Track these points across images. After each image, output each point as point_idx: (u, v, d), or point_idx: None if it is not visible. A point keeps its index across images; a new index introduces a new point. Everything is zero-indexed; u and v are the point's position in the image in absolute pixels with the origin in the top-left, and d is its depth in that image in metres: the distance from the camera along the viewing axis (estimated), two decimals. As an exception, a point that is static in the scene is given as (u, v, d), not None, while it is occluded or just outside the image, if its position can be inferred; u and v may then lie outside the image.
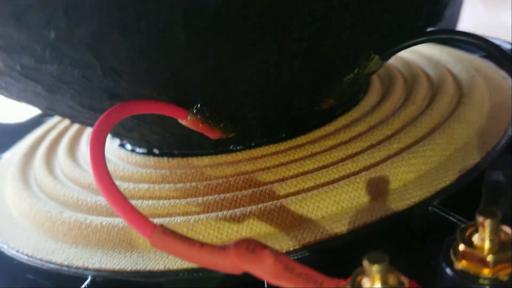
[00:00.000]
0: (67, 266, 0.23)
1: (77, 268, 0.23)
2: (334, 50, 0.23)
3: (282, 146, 0.29)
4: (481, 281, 0.14)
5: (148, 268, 0.21)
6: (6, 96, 0.26)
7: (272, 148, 0.29)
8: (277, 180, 0.25)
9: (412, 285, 0.14)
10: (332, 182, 0.24)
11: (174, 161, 0.30)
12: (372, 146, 0.27)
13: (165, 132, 0.27)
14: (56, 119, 0.44)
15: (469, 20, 0.68)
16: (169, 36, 0.17)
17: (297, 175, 0.25)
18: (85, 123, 0.28)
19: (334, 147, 0.27)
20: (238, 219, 0.22)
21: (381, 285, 0.13)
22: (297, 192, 0.24)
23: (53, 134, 0.40)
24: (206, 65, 0.20)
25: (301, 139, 0.29)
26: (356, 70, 0.25)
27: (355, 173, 0.24)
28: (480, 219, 0.14)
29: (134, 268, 0.21)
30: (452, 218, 0.21)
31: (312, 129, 0.30)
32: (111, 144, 0.34)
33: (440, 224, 0.21)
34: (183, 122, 0.23)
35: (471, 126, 0.27)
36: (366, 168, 0.24)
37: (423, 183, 0.23)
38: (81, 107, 0.24)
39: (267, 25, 0.18)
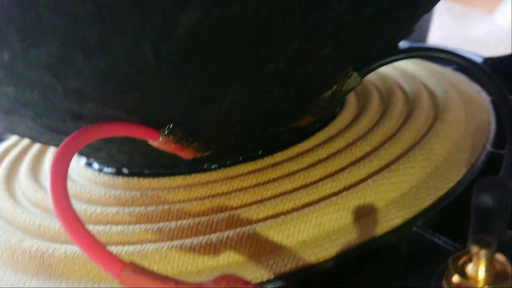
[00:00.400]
0: (27, 302, 0.21)
1: (37, 304, 0.21)
2: (313, 68, 0.22)
3: (259, 164, 0.28)
4: (477, 315, 0.13)
5: (117, 303, 0.20)
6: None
7: (249, 166, 0.27)
8: (255, 201, 0.24)
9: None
10: (313, 203, 0.23)
11: (145, 182, 0.28)
12: (352, 163, 0.26)
13: (134, 152, 0.25)
14: (11, 140, 0.42)
15: (438, 33, 0.70)
16: (138, 58, 0.15)
17: (275, 196, 0.24)
18: (47, 143, 0.26)
19: (313, 165, 0.27)
20: (214, 246, 0.21)
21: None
22: (276, 215, 0.23)
23: (15, 152, 0.38)
24: (178, 87, 0.18)
25: (278, 156, 0.28)
26: (334, 87, 0.24)
27: (335, 193, 0.23)
28: (474, 249, 0.13)
29: (102, 303, 0.20)
30: (437, 240, 0.20)
31: (289, 146, 0.29)
32: (77, 163, 0.33)
33: (424, 246, 0.20)
34: (154, 143, 0.22)
35: (450, 142, 0.27)
36: (346, 188, 0.24)
37: (406, 202, 0.23)
38: (43, 128, 0.22)
39: (242, 48, 0.17)
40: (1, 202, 0.29)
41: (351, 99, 0.35)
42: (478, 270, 0.14)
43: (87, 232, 0.15)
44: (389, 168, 0.24)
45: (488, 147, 0.27)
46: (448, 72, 0.39)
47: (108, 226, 0.24)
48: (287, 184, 0.25)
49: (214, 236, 0.21)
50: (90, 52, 0.15)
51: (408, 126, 0.29)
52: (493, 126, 0.29)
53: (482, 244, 0.13)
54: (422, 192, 0.23)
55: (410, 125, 0.29)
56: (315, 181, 0.25)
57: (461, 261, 0.14)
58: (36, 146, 0.38)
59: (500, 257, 0.14)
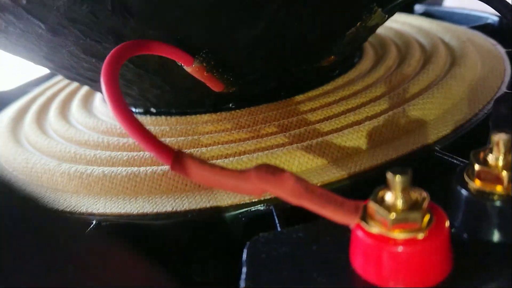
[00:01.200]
0: (70, 212, 0.22)
1: (80, 214, 0.22)
2: (338, 1, 0.23)
3: (281, 104, 0.29)
4: (495, 197, 0.15)
5: (155, 211, 0.21)
6: (2, 47, 0.25)
7: (272, 106, 0.29)
8: (280, 131, 0.25)
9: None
10: (336, 131, 0.24)
11: (173, 119, 0.29)
12: (372, 101, 0.27)
13: (166, 85, 0.27)
14: (43, 86, 0.43)
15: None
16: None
17: (299, 127, 0.26)
18: (82, 76, 0.27)
19: (334, 102, 0.28)
20: (246, 164, 0.22)
21: (403, 198, 0.14)
22: (302, 140, 0.24)
23: (42, 99, 0.39)
24: (216, 6, 0.19)
25: (300, 97, 0.29)
26: (358, 24, 0.25)
27: (358, 123, 0.25)
28: (495, 138, 0.15)
29: (140, 212, 0.21)
30: (456, 161, 0.21)
31: (310, 89, 0.30)
32: (105, 107, 0.34)
33: (444, 166, 0.21)
34: (188, 69, 0.23)
35: (466, 84, 0.28)
36: (368, 118, 0.25)
37: (424, 132, 0.24)
38: (84, 53, 0.23)
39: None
40: (35, 138, 0.31)
41: (369, 51, 0.36)
42: (497, 158, 0.15)
43: (143, 126, 0.16)
44: (409, 103, 0.26)
45: (504, 88, 0.28)
46: (464, 29, 0.40)
47: (142, 153, 0.25)
48: (310, 118, 0.26)
49: (244, 157, 0.23)
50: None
51: (426, 70, 0.30)
52: (508, 72, 0.30)
53: (502, 134, 0.15)
54: (440, 124, 0.25)
55: (428, 69, 0.30)
56: (337, 114, 0.26)
57: (482, 154, 0.15)
58: (62, 95, 0.39)
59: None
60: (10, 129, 0.34)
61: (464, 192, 0.15)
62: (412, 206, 0.14)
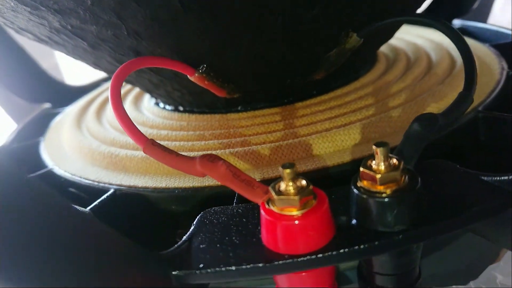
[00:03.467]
0: (97, 182, 0.30)
1: (104, 183, 0.30)
2: (308, 25, 0.27)
3: (280, 109, 0.34)
4: (373, 194, 0.19)
5: (153, 186, 0.28)
6: (65, 53, 0.34)
7: (272, 110, 0.34)
8: (265, 132, 0.31)
9: (316, 189, 0.19)
10: (310, 134, 0.29)
11: (193, 116, 0.36)
12: (351, 111, 0.31)
13: (183, 89, 0.33)
14: (108, 84, 0.52)
15: (506, 15, 0.69)
16: (170, 7, 0.23)
17: (283, 129, 0.31)
18: (123, 79, 0.35)
19: (321, 111, 0.32)
20: (226, 157, 0.28)
21: (291, 185, 0.19)
22: (277, 140, 0.29)
23: (105, 94, 0.48)
24: (201, 32, 0.25)
25: (298, 105, 0.34)
26: (338, 46, 0.30)
27: (327, 130, 0.29)
28: (374, 147, 0.19)
29: (143, 185, 0.28)
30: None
31: (310, 98, 0.35)
32: (149, 103, 0.42)
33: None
34: (191, 78, 0.29)
35: (443, 100, 0.31)
36: (337, 127, 0.29)
37: (385, 140, 0.28)
38: (116, 62, 0.30)
39: (245, 5, 0.24)
40: (92, 125, 0.40)
41: (380, 65, 0.39)
42: (377, 164, 0.19)
43: (129, 118, 0.23)
44: (378, 115, 0.29)
45: (479, 109, 0.30)
46: (480, 47, 0.42)
47: (161, 142, 0.32)
48: (296, 122, 0.31)
49: (227, 151, 0.29)
50: (140, 1, 0.23)
51: (412, 86, 0.33)
52: (495, 93, 0.32)
53: (379, 145, 0.19)
54: (401, 134, 0.28)
55: (415, 86, 0.33)
56: (316, 122, 0.31)
57: (369, 161, 0.20)
58: (121, 92, 0.48)
59: (398, 158, 0.19)
60: (76, 117, 0.43)
61: (354, 189, 0.20)
62: (297, 192, 0.19)
